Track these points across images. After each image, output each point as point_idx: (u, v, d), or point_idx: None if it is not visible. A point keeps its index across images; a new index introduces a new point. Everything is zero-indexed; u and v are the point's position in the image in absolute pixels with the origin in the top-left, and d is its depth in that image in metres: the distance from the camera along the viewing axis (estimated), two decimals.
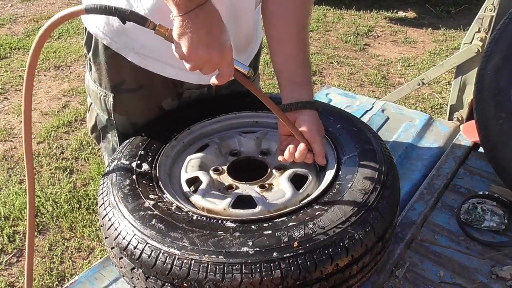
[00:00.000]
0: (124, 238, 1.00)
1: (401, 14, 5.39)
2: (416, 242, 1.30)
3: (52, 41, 4.89)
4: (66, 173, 3.03)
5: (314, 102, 1.25)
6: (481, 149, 1.65)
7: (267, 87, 3.92)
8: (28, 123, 1.11)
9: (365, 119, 1.89)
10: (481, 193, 1.43)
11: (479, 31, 1.74)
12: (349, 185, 1.09)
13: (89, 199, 2.78)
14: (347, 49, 4.68)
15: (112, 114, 1.37)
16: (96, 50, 1.31)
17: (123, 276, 1.08)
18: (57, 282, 2.27)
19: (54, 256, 2.42)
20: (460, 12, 5.24)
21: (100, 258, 1.87)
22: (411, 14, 5.37)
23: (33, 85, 1.12)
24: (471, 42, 1.77)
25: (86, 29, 1.31)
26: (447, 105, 2.31)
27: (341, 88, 3.25)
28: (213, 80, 1.05)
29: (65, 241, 2.53)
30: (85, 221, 2.63)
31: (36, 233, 2.57)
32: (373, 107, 1.99)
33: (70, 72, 4.31)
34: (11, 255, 2.43)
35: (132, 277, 1.02)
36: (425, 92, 3.86)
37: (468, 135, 1.71)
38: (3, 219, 2.64)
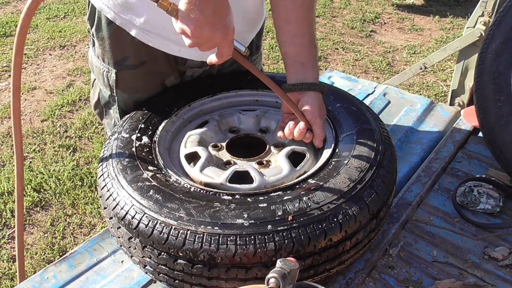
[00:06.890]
0: (122, 208, 1.02)
1: (408, 1, 5.34)
2: (411, 223, 1.32)
3: (58, 21, 4.89)
4: (70, 151, 3.05)
5: (319, 84, 1.25)
6: (480, 134, 1.65)
7: (272, 72, 3.91)
8: (17, 102, 1.13)
9: (366, 102, 1.88)
10: (478, 176, 1.43)
11: (482, 15, 1.73)
12: (346, 162, 1.10)
13: (92, 177, 2.81)
14: (353, 35, 4.65)
15: (115, 91, 1.38)
16: (99, 24, 1.31)
17: (120, 246, 1.10)
18: (58, 257, 2.30)
19: (56, 232, 2.46)
20: (469, 0, 5.18)
21: None
22: (418, 1, 5.32)
23: (22, 62, 1.13)
24: (474, 26, 1.77)
25: (89, 2, 1.32)
26: None
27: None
28: (212, 58, 1.05)
29: (67, 217, 2.56)
30: (87, 199, 2.66)
31: (38, 208, 2.60)
32: (374, 91, 1.99)
33: (76, 52, 4.31)
34: (14, 229, 2.46)
35: (130, 247, 1.04)
36: (430, 80, 3.84)
37: (468, 119, 1.71)
38: (6, 194, 2.67)
